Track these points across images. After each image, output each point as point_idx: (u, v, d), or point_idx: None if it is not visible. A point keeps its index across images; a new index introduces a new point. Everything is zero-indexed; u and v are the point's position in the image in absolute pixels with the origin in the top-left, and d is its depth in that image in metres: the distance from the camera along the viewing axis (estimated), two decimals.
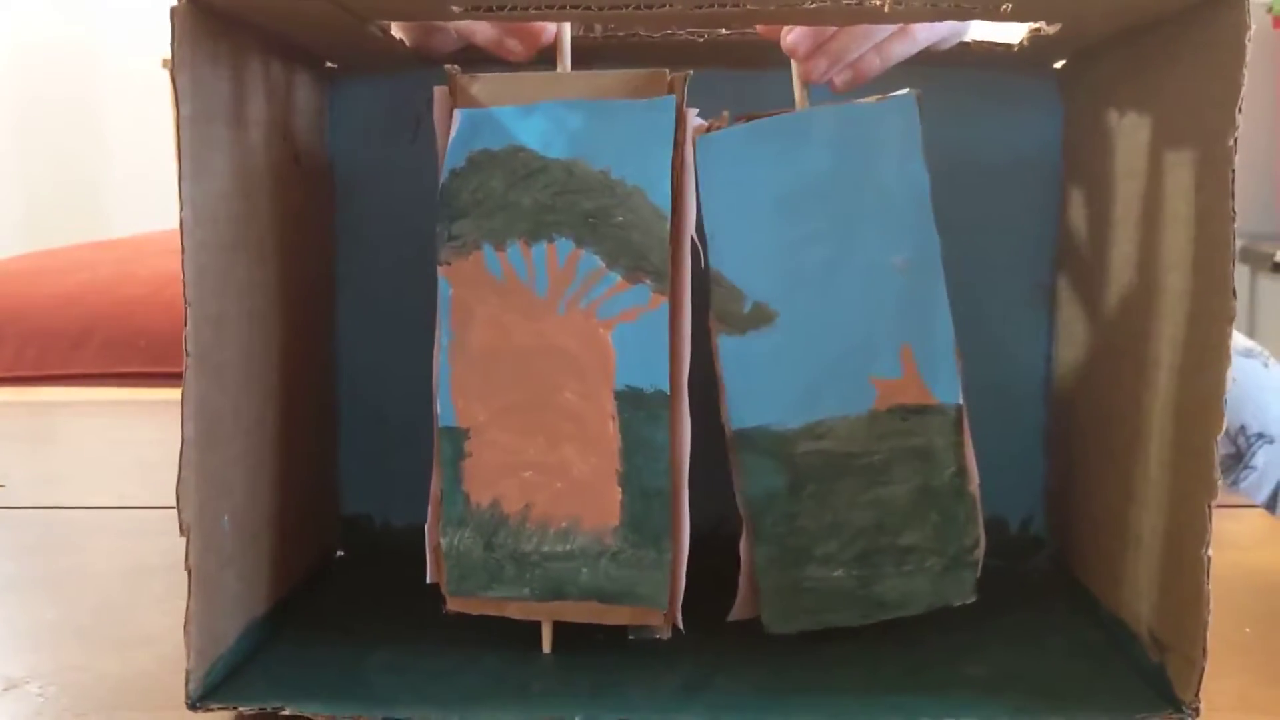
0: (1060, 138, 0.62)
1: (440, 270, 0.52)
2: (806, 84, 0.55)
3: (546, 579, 0.51)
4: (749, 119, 0.53)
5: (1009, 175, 0.62)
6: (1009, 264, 0.63)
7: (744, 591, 0.54)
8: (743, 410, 0.53)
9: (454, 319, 0.52)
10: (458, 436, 0.52)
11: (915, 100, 0.53)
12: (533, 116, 0.51)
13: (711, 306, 0.53)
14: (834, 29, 0.54)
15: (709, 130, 0.53)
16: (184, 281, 0.45)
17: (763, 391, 0.53)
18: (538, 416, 0.51)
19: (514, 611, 0.52)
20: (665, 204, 0.50)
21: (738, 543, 0.54)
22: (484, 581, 0.52)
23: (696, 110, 0.51)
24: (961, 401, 0.53)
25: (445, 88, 0.52)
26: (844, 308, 0.53)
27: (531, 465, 0.51)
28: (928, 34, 0.56)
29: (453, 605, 0.53)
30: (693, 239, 0.51)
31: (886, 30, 0.55)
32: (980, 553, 0.53)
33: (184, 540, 0.45)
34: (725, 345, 0.53)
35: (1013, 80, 0.62)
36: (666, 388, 0.50)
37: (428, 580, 0.53)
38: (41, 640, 0.57)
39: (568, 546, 0.51)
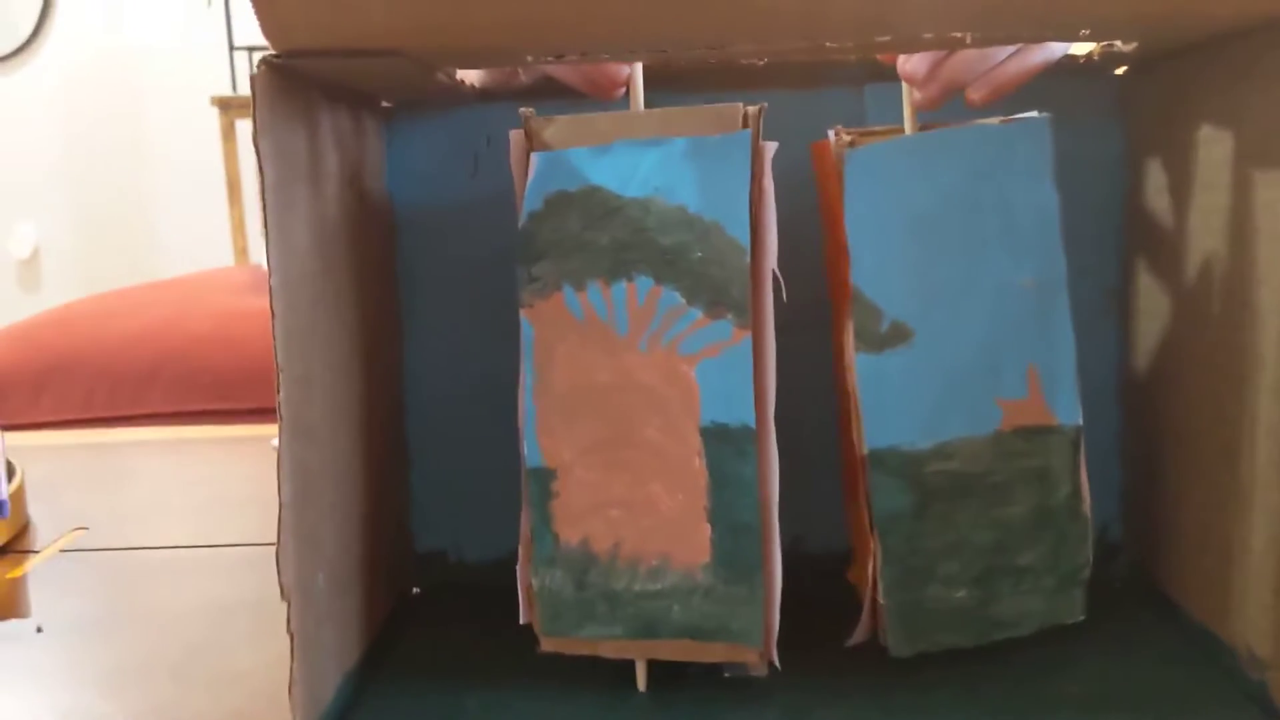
0: (1123, 144, 0.62)
1: (522, 312, 0.52)
2: (918, 112, 0.55)
3: (639, 617, 0.51)
4: (859, 136, 0.53)
5: (1072, 182, 0.62)
6: (1076, 271, 0.62)
7: (865, 615, 0.54)
8: (876, 430, 0.52)
9: (537, 360, 0.51)
10: (544, 477, 0.52)
11: (1048, 124, 0.53)
12: (607, 156, 0.51)
13: (851, 324, 0.53)
14: (945, 54, 0.53)
15: (849, 146, 0.53)
16: (274, 345, 0.45)
17: (896, 411, 0.52)
18: (623, 454, 0.51)
19: (608, 651, 0.52)
20: (744, 237, 0.50)
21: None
22: (576, 621, 0.51)
23: (775, 144, 0.51)
24: (1081, 422, 0.53)
25: (520, 131, 0.52)
26: (974, 328, 0.53)
27: (618, 503, 0.51)
28: (1062, 46, 0.56)
29: (546, 645, 0.52)
30: (774, 272, 0.51)
31: (1004, 51, 0.54)
32: (1089, 571, 0.54)
33: (285, 604, 0.45)
34: (862, 364, 0.52)
35: (1072, 88, 0.61)
36: (753, 422, 0.50)
37: (520, 621, 0.53)
38: (133, 681, 0.58)
39: (659, 584, 0.51)
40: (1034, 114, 0.53)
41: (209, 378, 1.22)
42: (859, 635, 0.54)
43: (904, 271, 0.53)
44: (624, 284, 0.51)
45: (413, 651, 0.58)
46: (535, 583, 0.52)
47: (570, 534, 0.51)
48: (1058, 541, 0.53)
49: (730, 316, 0.50)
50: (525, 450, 0.52)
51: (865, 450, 0.53)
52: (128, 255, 3.05)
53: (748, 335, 0.50)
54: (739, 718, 0.50)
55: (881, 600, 0.53)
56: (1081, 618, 0.54)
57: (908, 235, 0.52)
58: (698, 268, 0.50)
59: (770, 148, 0.51)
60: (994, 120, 0.54)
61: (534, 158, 0.51)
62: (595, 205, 0.51)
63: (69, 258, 3.14)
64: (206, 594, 0.69)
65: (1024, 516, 0.53)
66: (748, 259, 0.50)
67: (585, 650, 0.52)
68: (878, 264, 0.52)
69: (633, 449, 0.51)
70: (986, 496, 0.53)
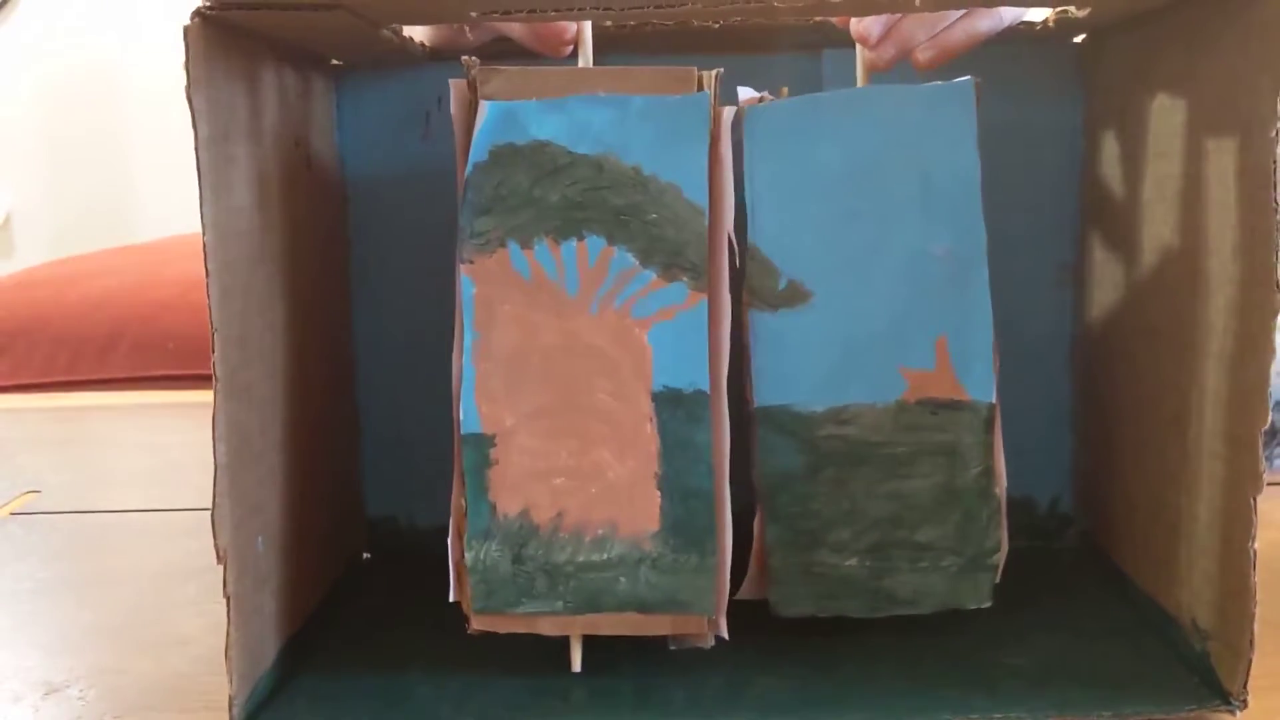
0: (1081, 115, 0.61)
1: (462, 268, 0.50)
2: (871, 72, 0.54)
3: (581, 591, 0.49)
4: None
5: (1029, 153, 0.62)
6: (1032, 242, 0.62)
7: (753, 570, 0.53)
8: (768, 387, 0.52)
9: (477, 319, 0.50)
10: (482, 443, 0.50)
11: (974, 87, 0.51)
12: (559, 112, 0.49)
13: (745, 281, 0.52)
14: (900, 15, 0.53)
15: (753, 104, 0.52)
16: (209, 304, 0.44)
17: (790, 370, 0.52)
18: (570, 419, 0.50)
19: (546, 628, 0.50)
20: (702, 200, 0.49)
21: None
22: (513, 597, 0.50)
23: (734, 109, 0.51)
24: (995, 400, 0.52)
25: (462, 81, 0.50)
26: (880, 293, 0.52)
27: (564, 471, 0.50)
28: (1013, 14, 0.55)
29: (478, 624, 0.50)
30: (729, 237, 0.50)
31: (957, 12, 0.54)
32: (1001, 557, 0.52)
33: (221, 567, 0.45)
34: (756, 321, 0.52)
35: (1031, 57, 0.61)
36: (707, 387, 0.49)
37: (450, 599, 0.51)
38: (79, 644, 0.57)
39: (604, 555, 0.49)
40: (963, 78, 0.52)
41: (172, 343, 1.21)
42: (746, 590, 0.53)
43: (805, 231, 0.52)
44: (574, 243, 0.49)
45: (359, 618, 0.57)
46: (469, 557, 0.50)
47: (509, 504, 0.50)
48: (964, 521, 0.52)
49: (686, 279, 0.49)
50: (461, 415, 0.50)
51: (755, 406, 0.52)
52: (104, 223, 3.02)
53: (703, 299, 0.49)
54: (683, 683, 0.50)
55: (766, 559, 0.52)
56: (987, 604, 0.52)
57: (811, 195, 0.52)
58: (653, 229, 0.49)
59: (729, 113, 0.50)
60: (936, 84, 0.53)
61: (483, 106, 0.49)
62: (545, 161, 0.49)
63: (43, 225, 3.11)
64: (155, 558, 0.69)
65: (927, 492, 0.52)
66: (706, 222, 0.49)
67: (521, 628, 0.50)
68: (777, 222, 0.52)
69: (580, 414, 0.50)
70: (885, 466, 0.52)
